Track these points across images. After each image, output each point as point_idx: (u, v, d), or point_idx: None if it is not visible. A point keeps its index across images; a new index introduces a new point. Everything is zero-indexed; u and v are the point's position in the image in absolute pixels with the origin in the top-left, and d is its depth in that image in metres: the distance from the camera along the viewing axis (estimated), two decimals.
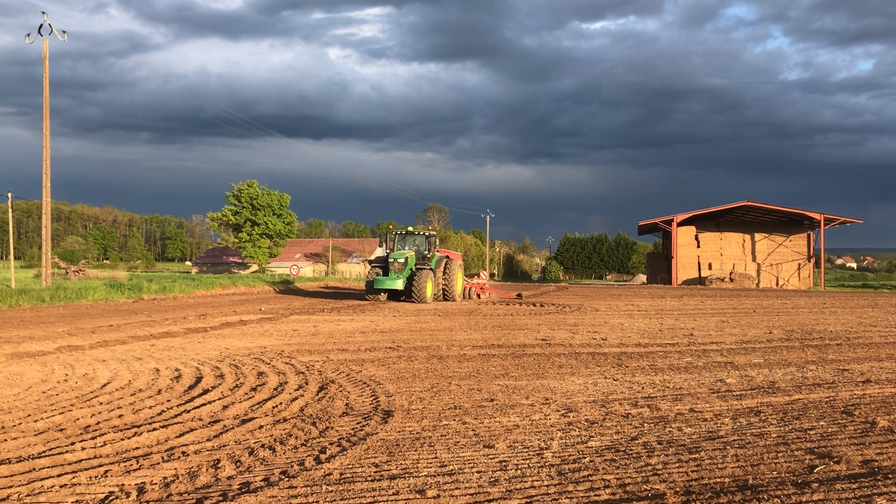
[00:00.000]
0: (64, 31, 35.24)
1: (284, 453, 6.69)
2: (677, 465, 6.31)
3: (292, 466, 6.22)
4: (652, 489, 5.63)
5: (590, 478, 5.91)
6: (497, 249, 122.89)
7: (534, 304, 31.06)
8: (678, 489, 5.62)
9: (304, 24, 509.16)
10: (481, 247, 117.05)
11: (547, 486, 5.70)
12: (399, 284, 31.40)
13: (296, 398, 9.32)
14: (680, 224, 64.61)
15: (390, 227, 34.00)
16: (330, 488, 5.59)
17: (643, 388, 10.29)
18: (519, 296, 37.62)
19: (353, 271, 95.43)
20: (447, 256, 34.16)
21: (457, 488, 5.62)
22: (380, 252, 37.01)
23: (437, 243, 34.47)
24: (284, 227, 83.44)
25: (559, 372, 11.70)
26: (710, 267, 65.29)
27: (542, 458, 6.53)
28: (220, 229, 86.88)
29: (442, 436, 7.35)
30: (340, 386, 10.23)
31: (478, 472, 6.08)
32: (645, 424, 7.95)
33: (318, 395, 9.60)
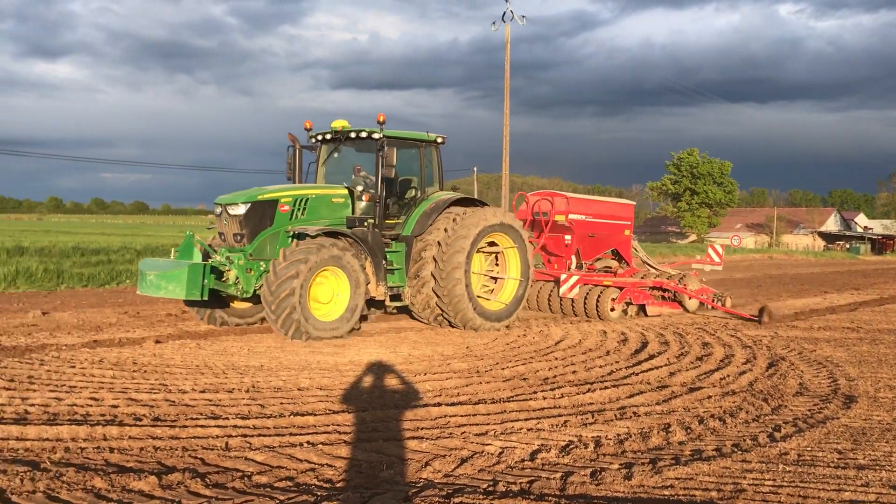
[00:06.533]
0: (523, 16, 38.20)
1: (735, 426, 6.55)
2: None
3: (744, 440, 6.06)
4: None
5: None
6: None
7: None
8: None
9: None
10: None
11: None
12: (176, 288, 10.48)
13: (743, 372, 9.03)
14: None
15: (307, 126, 13.18)
16: (787, 468, 5.33)
17: None
18: (761, 313, 14.17)
19: (800, 243, 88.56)
20: (468, 200, 13.21)
21: None
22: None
23: (440, 161, 13.24)
24: (725, 196, 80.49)
25: None
26: None
27: None
28: (659, 199, 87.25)
29: None
30: (792, 364, 9.63)
31: None
32: None
33: (767, 371, 9.17)
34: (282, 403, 7.00)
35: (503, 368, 8.98)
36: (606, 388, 7.96)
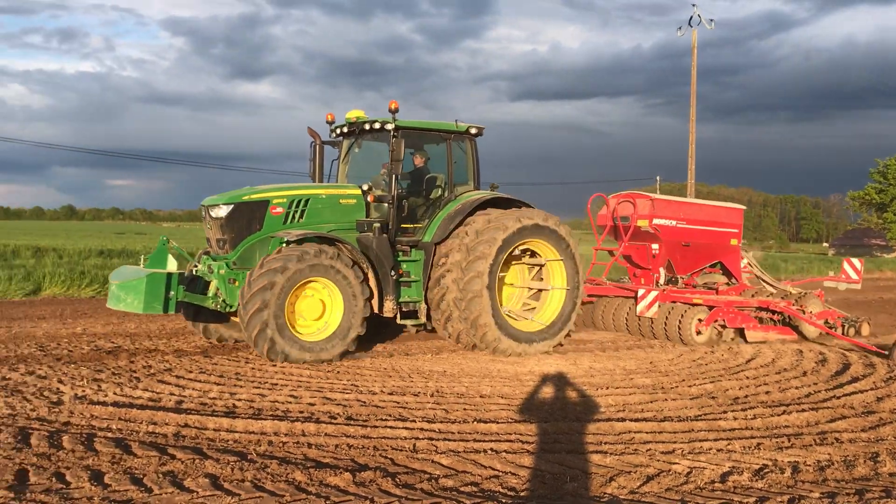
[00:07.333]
0: (711, 20, 36.84)
1: None
2: None
3: None
4: None
5: None
6: None
7: None
8: None
9: None
10: None
11: None
12: (134, 300, 9.12)
13: None
14: None
15: (329, 118, 11.74)
16: None
17: None
18: (894, 347, 10.72)
19: None
20: (506, 201, 11.13)
21: None
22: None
23: (475, 156, 11.42)
24: None
25: None
26: None
27: None
28: (861, 209, 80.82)
29: None
30: None
31: None
32: None
33: None
34: (465, 409, 7.16)
35: (690, 386, 8.66)
36: (804, 410, 7.47)
